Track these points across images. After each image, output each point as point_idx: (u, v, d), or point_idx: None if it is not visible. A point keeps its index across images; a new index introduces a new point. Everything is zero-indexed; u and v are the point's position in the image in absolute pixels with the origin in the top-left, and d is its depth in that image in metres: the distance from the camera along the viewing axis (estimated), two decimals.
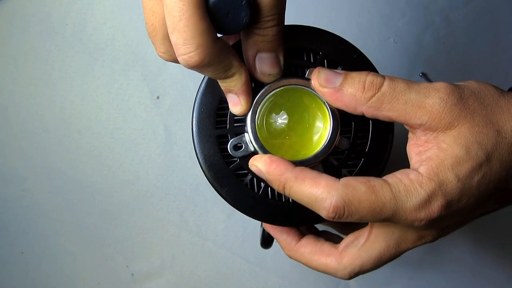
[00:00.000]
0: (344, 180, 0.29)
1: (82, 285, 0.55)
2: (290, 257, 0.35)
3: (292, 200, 0.34)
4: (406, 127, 0.31)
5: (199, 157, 0.33)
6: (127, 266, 0.55)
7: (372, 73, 0.30)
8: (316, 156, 0.33)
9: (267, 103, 0.33)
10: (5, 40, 0.55)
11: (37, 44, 0.55)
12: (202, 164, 0.34)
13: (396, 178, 0.29)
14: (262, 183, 0.34)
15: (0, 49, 0.55)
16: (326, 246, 0.34)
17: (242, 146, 0.33)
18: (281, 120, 0.34)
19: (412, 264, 0.55)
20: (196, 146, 0.33)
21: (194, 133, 0.33)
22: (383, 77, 0.30)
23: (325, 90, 0.31)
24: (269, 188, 0.34)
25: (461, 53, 0.57)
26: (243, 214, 0.34)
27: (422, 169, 0.29)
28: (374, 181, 0.29)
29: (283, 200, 0.34)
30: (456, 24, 0.57)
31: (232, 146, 0.33)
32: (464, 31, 0.57)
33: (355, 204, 0.28)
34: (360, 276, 0.55)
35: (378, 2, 0.57)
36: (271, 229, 0.36)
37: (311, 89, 0.33)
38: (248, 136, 0.33)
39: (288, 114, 0.34)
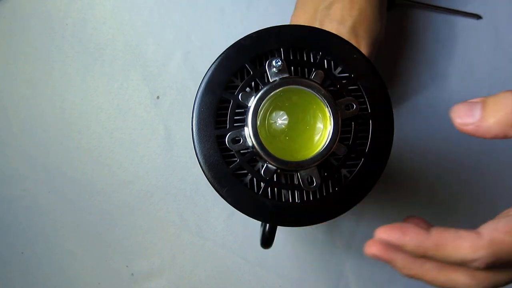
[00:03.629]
0: (488, 235, 0.26)
1: (82, 285, 0.55)
2: (411, 276, 0.30)
3: (292, 200, 0.34)
4: None
5: (199, 157, 0.33)
6: (127, 266, 0.55)
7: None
8: (313, 159, 0.33)
9: (267, 102, 0.33)
10: (5, 40, 0.55)
11: (37, 44, 0.55)
12: (202, 164, 0.33)
13: None
14: (262, 183, 0.34)
15: (0, 49, 0.55)
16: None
17: (240, 139, 0.33)
18: (281, 120, 0.34)
19: None
20: (196, 146, 0.33)
21: (194, 133, 0.33)
22: None
23: (468, 128, 0.28)
24: (269, 188, 0.34)
25: (461, 53, 0.57)
26: (243, 214, 0.34)
27: None
28: None
29: (283, 200, 0.34)
30: (456, 24, 0.57)
31: (230, 139, 0.33)
32: (464, 31, 0.57)
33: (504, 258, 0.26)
34: (359, 275, 0.55)
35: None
36: (383, 252, 0.30)
37: (312, 89, 0.33)
38: (248, 130, 0.33)
39: (288, 115, 0.34)
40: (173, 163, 0.55)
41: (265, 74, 0.34)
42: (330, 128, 0.33)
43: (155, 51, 0.56)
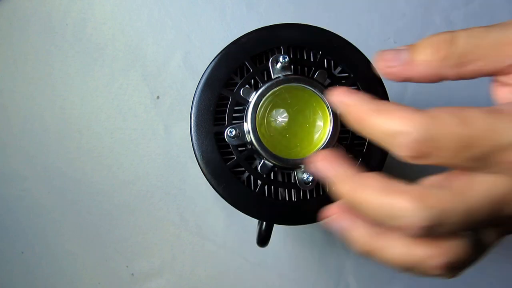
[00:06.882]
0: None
1: (82, 285, 0.55)
2: (348, 195, 0.25)
3: (289, 198, 0.34)
4: (495, 81, 0.26)
5: (196, 153, 0.34)
6: (127, 266, 0.55)
7: (440, 32, 0.25)
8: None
9: (267, 100, 0.33)
10: (5, 40, 0.55)
11: (37, 44, 0.55)
12: (199, 161, 0.34)
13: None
14: (259, 181, 0.34)
15: (0, 49, 0.55)
16: (400, 183, 0.24)
17: (239, 134, 0.33)
18: (281, 118, 0.34)
19: None
20: (194, 143, 0.34)
21: (192, 129, 0.34)
22: (453, 31, 0.25)
23: (394, 69, 0.26)
24: (265, 186, 0.34)
25: None
26: (243, 214, 0.34)
27: None
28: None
29: (280, 199, 0.34)
30: (456, 24, 0.57)
31: (229, 132, 0.33)
32: None
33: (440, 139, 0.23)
34: (359, 275, 0.55)
35: (378, 2, 0.57)
36: (323, 163, 0.27)
37: (313, 88, 0.33)
38: (247, 126, 0.33)
39: (288, 112, 0.34)
40: (173, 163, 0.55)
41: (265, 72, 0.35)
42: (329, 127, 0.33)
43: (155, 51, 0.56)
